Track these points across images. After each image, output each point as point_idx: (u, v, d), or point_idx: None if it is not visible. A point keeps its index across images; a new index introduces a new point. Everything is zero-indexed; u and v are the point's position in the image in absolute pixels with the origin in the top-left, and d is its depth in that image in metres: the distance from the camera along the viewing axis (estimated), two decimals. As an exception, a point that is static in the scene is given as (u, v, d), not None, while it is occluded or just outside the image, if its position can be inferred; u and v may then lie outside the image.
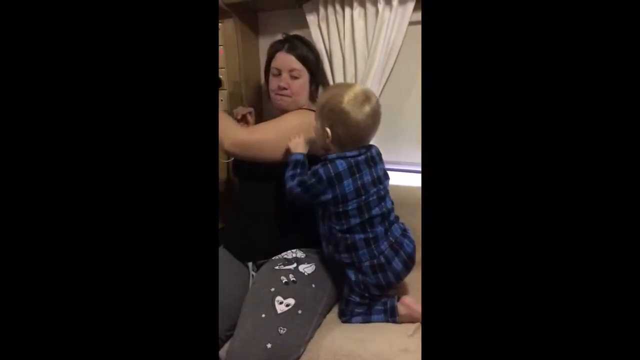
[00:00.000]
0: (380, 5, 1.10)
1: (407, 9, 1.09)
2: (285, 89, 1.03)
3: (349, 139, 0.86)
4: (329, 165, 0.84)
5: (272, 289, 0.86)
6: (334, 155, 0.86)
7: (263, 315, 0.81)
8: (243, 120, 1.19)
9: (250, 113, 1.19)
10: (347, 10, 1.14)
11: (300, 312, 0.83)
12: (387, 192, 0.91)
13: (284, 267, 0.92)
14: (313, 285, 0.90)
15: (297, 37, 1.10)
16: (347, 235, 0.85)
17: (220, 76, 1.42)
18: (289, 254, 0.97)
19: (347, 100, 0.83)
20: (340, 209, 0.84)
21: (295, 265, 0.93)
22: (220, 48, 1.41)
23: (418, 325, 0.86)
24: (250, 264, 1.00)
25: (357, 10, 1.14)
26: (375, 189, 0.87)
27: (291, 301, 0.84)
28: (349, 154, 0.86)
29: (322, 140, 0.89)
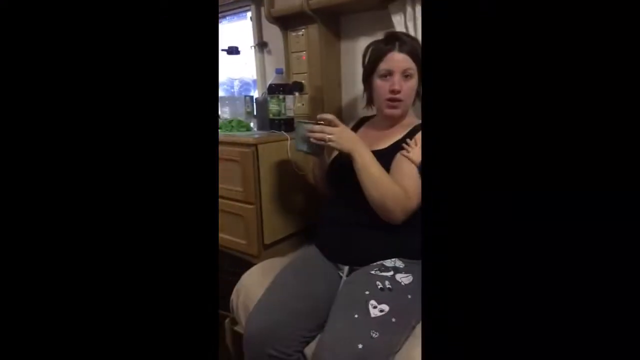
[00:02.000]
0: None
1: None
2: (398, 92, 0.97)
3: None
4: None
5: (367, 292, 0.84)
6: None
7: (356, 316, 0.80)
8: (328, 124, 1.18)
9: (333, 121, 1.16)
10: (436, 8, 1.11)
11: (394, 320, 0.81)
12: None
13: (381, 273, 0.90)
14: (409, 296, 0.87)
15: (401, 33, 1.04)
16: None
17: (302, 81, 1.45)
18: (389, 262, 0.94)
19: None
20: None
21: (392, 273, 0.90)
22: (303, 54, 1.43)
23: None
24: (346, 268, 0.99)
25: (447, 8, 1.10)
26: None
27: (385, 307, 0.82)
28: None
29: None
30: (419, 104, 1.18)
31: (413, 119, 1.07)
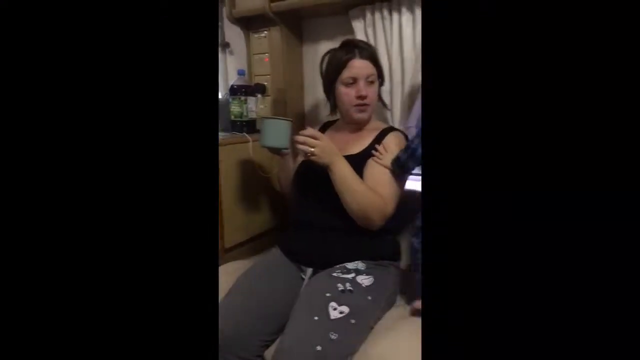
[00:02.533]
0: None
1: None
2: (365, 97, 0.99)
3: None
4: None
5: (328, 294, 0.85)
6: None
7: (316, 318, 0.81)
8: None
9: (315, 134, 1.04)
10: (395, 16, 1.14)
11: (353, 321, 0.82)
12: None
13: (342, 275, 0.92)
14: (369, 298, 0.89)
15: (358, 40, 1.07)
16: None
17: (265, 83, 1.45)
18: (351, 265, 0.96)
19: None
20: None
21: (354, 275, 0.92)
22: (265, 55, 1.43)
23: None
24: (309, 271, 1.00)
25: (406, 17, 1.13)
26: None
27: (345, 309, 0.83)
28: None
29: None
30: (381, 107, 1.21)
31: (378, 123, 1.10)
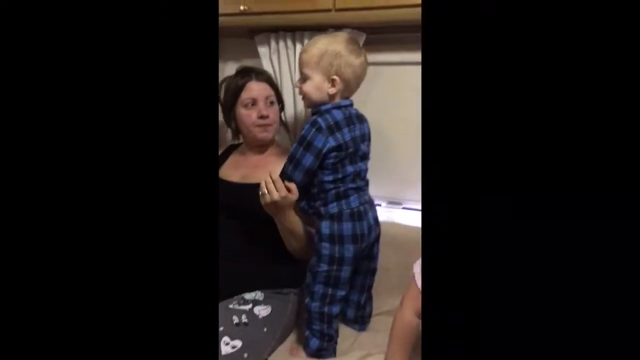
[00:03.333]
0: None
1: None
2: (267, 117, 1.02)
3: (355, 82, 0.90)
4: (327, 115, 0.87)
5: (221, 329, 0.84)
6: (328, 106, 0.88)
7: None
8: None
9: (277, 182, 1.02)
10: (298, 45, 1.17)
11: (245, 355, 0.82)
12: (369, 151, 0.97)
13: (239, 307, 0.91)
14: (265, 329, 0.89)
15: (253, 67, 1.10)
16: (340, 185, 0.88)
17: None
18: (249, 295, 0.96)
19: (346, 43, 0.88)
20: (338, 158, 0.86)
21: (251, 306, 0.92)
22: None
23: None
24: None
25: (308, 46, 1.16)
26: (364, 144, 0.92)
27: (238, 343, 0.83)
28: (343, 103, 0.90)
29: (323, 92, 0.89)
30: (283, 132, 1.23)
31: (283, 148, 1.12)
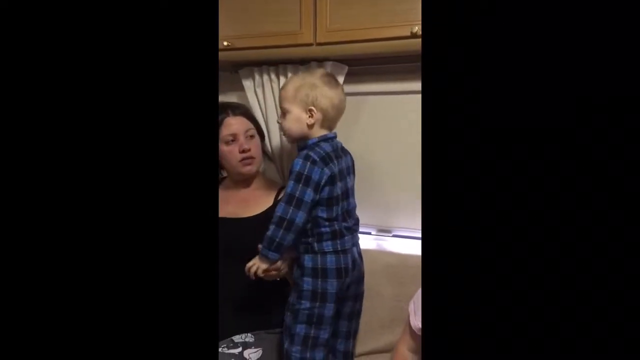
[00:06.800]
0: (314, 76, 1.14)
1: (339, 79, 1.15)
2: (249, 150, 1.02)
3: (333, 112, 0.89)
4: (316, 148, 0.87)
5: None
6: (315, 139, 0.88)
7: None
8: None
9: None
10: (282, 78, 1.18)
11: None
12: (354, 184, 0.95)
13: (228, 351, 0.88)
14: None
15: (229, 102, 1.11)
16: (335, 223, 0.87)
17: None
18: (239, 337, 0.93)
19: (321, 76, 0.89)
20: (331, 193, 0.86)
21: (240, 349, 0.89)
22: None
23: None
24: None
25: (292, 79, 1.18)
26: (350, 177, 0.92)
27: (228, 389, 0.79)
28: (329, 135, 0.90)
29: (302, 124, 0.89)
30: (269, 162, 1.23)
31: (268, 179, 1.11)
